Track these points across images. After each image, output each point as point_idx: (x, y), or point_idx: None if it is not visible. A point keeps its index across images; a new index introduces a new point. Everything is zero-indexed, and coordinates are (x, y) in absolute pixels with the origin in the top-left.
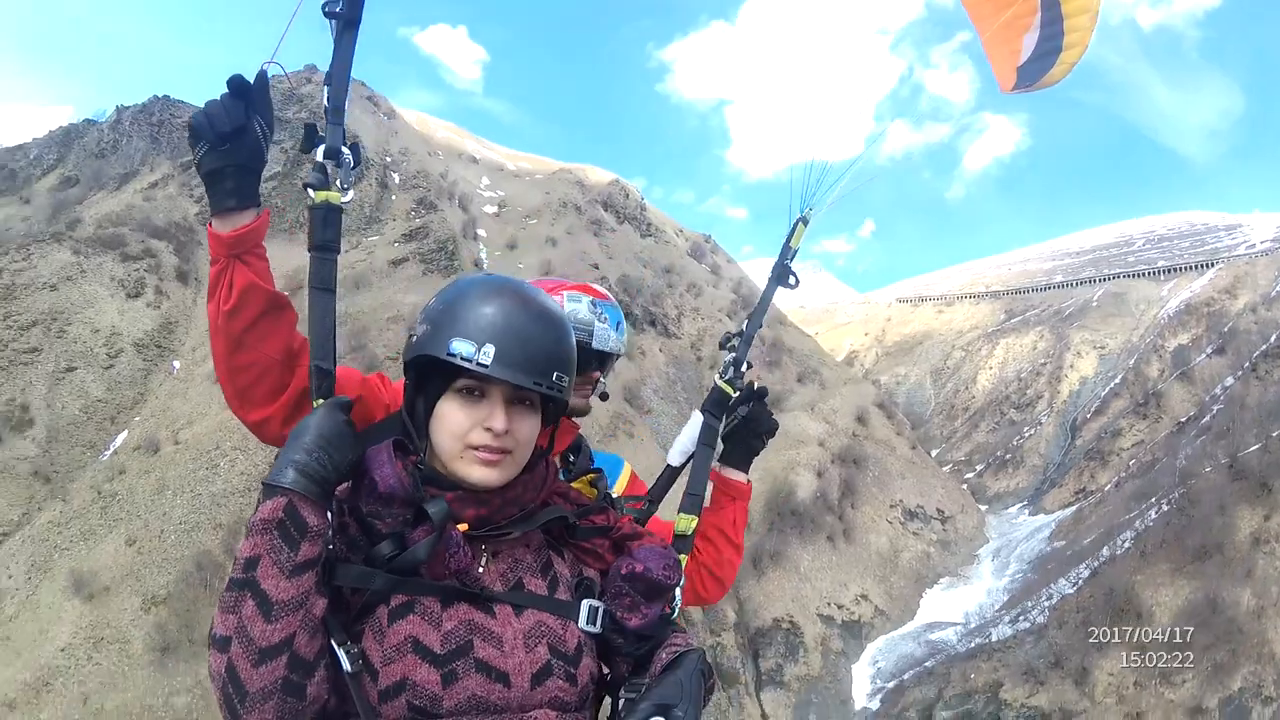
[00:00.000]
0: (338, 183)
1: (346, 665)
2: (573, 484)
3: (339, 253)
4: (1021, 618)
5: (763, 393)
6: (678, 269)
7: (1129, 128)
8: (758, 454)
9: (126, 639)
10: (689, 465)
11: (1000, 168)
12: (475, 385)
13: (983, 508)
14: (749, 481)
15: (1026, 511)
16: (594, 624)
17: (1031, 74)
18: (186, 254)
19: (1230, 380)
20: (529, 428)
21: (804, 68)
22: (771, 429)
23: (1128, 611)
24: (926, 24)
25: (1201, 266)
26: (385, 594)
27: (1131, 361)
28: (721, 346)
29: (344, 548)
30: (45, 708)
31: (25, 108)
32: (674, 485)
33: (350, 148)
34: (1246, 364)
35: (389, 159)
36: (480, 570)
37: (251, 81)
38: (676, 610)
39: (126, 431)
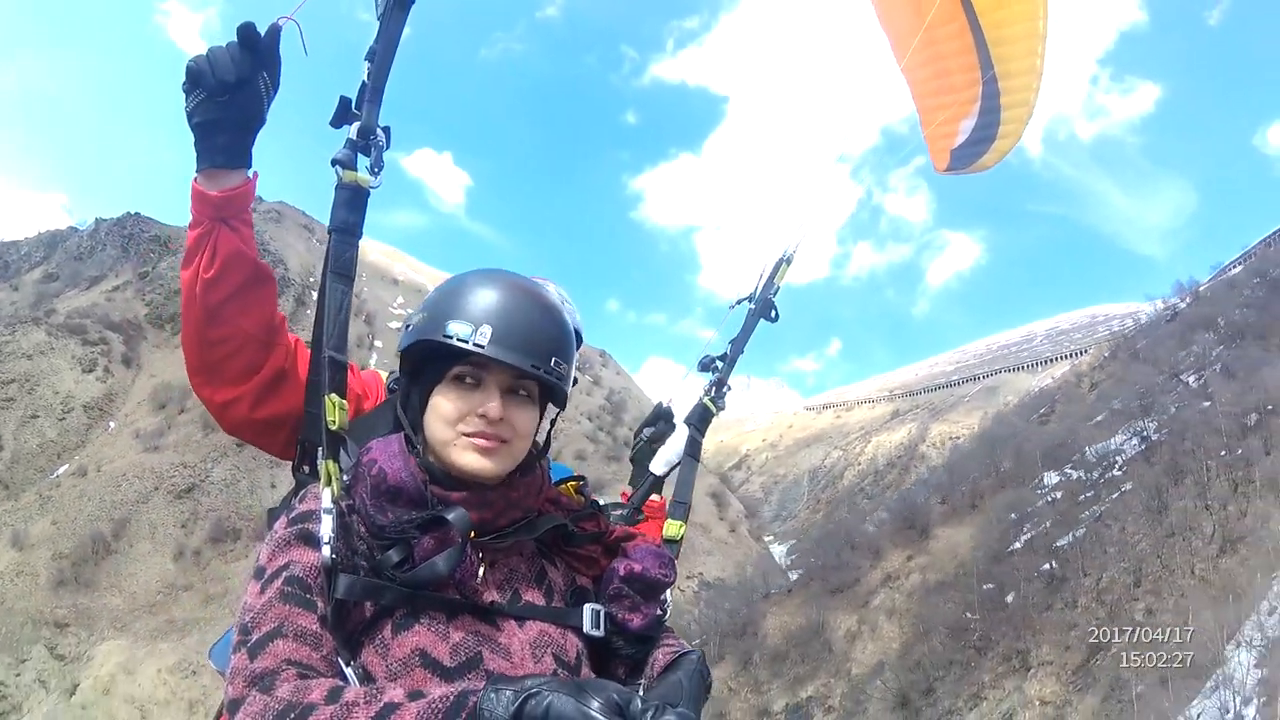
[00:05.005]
0: (368, 165)
1: (354, 682)
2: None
3: (360, 238)
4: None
5: (668, 414)
6: None
7: (1090, 233)
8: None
9: (37, 573)
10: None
11: (961, 282)
12: (471, 372)
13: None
14: (663, 499)
15: None
16: (598, 628)
17: (965, 158)
18: (133, 345)
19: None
20: (526, 419)
21: (766, 196)
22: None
23: (748, 631)
24: (883, 151)
25: (1076, 355)
26: (392, 607)
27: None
28: (703, 369)
29: (348, 553)
30: None
31: (23, 194)
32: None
33: (384, 130)
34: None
35: (312, 279)
36: (478, 580)
37: (262, 34)
38: (669, 612)
39: (67, 464)
